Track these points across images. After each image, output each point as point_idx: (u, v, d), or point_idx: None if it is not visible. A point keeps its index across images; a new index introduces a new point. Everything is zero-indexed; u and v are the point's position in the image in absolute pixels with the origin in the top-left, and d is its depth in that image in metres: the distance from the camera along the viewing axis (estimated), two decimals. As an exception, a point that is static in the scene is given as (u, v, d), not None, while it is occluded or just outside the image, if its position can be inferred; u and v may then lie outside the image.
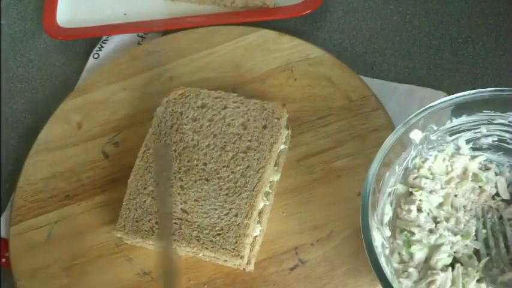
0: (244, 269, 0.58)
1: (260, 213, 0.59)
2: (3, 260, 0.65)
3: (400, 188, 0.57)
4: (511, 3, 0.73)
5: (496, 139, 0.58)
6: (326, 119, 0.65)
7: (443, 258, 0.54)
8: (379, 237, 0.53)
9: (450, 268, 0.53)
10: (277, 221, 0.61)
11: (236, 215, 0.58)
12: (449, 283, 0.52)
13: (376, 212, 0.53)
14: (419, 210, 0.56)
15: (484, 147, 0.59)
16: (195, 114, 0.64)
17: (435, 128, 0.56)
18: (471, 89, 0.54)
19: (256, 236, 0.59)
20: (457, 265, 0.54)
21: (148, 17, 0.77)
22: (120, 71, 0.73)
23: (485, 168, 0.59)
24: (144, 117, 0.68)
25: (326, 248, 0.59)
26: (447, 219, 0.56)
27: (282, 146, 0.62)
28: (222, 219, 0.58)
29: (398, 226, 0.56)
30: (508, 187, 0.58)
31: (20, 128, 0.75)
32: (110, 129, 0.69)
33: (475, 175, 0.58)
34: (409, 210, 0.56)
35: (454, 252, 0.55)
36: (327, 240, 0.59)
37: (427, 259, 0.54)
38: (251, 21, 0.73)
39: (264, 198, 0.59)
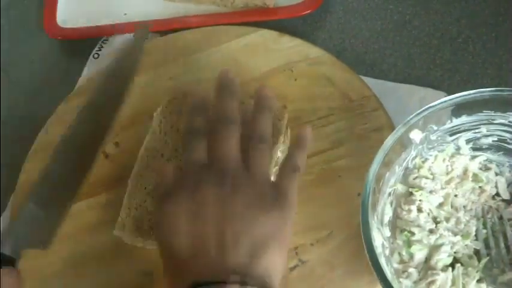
0: (244, 269, 0.58)
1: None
2: (3, 259, 0.65)
3: (400, 188, 0.57)
4: (511, 3, 0.72)
5: (496, 139, 0.58)
6: (326, 119, 0.65)
7: (443, 258, 0.54)
8: (379, 237, 0.53)
9: (450, 268, 0.53)
10: (277, 221, 0.61)
11: (237, 216, 0.58)
12: (449, 283, 0.52)
13: (376, 212, 0.53)
14: (419, 210, 0.56)
15: (484, 147, 0.59)
16: (196, 114, 0.63)
17: (435, 128, 0.56)
18: (471, 89, 0.54)
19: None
20: (457, 265, 0.54)
21: (148, 17, 0.76)
22: (120, 71, 0.72)
23: (486, 168, 0.59)
24: (144, 117, 0.67)
25: (326, 248, 0.59)
26: (447, 220, 0.56)
27: (282, 147, 0.62)
28: (222, 219, 0.58)
29: (398, 226, 0.56)
30: (508, 187, 0.58)
31: (20, 128, 0.75)
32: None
33: (475, 175, 0.58)
34: (409, 210, 0.56)
35: (454, 253, 0.55)
36: (327, 240, 0.59)
37: (427, 259, 0.54)
38: (251, 21, 0.73)
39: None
